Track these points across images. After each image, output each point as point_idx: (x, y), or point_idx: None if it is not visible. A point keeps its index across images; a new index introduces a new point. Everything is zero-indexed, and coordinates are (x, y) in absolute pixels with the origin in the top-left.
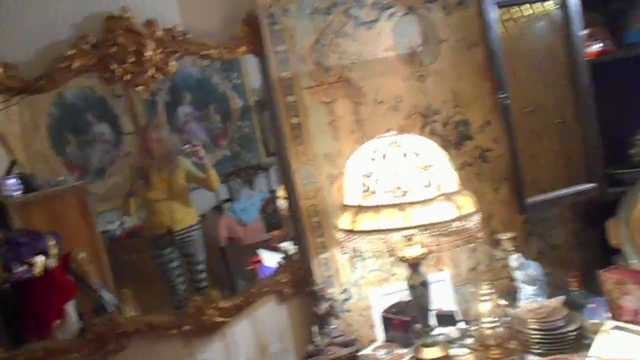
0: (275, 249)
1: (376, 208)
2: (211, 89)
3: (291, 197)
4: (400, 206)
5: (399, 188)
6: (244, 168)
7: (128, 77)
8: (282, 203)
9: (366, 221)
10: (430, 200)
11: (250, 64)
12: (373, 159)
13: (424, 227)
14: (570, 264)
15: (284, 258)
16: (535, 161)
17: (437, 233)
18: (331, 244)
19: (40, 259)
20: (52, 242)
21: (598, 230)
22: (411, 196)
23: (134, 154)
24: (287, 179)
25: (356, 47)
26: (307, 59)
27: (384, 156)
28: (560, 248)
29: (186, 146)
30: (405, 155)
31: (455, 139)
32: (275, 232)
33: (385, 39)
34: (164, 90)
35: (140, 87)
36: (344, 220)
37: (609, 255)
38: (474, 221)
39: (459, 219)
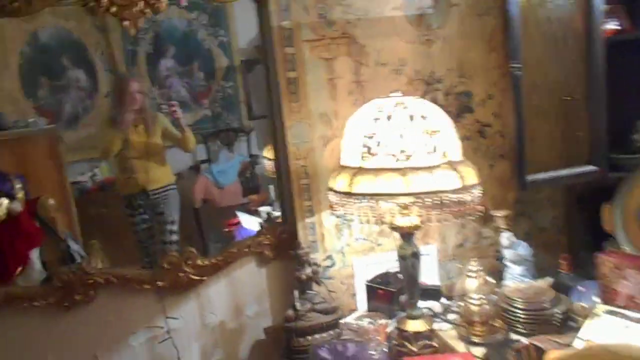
0: (253, 213)
1: (376, 171)
2: (196, 44)
3: (280, 156)
4: (402, 171)
5: (402, 151)
6: (225, 130)
7: (114, 9)
8: (267, 164)
9: (364, 184)
10: (434, 167)
11: (240, 20)
12: (377, 119)
13: (425, 195)
14: (558, 246)
15: (266, 220)
16: (536, 138)
17: (438, 202)
18: (318, 209)
19: (4, 201)
20: (18, 185)
21: (588, 214)
22: (414, 161)
23: (110, 105)
24: (277, 137)
25: (363, 2)
26: (310, 9)
27: (388, 117)
28: (549, 230)
29: (162, 105)
30: (411, 117)
31: (455, 110)
32: (254, 197)
33: None
34: (147, 41)
35: (127, 22)
36: (340, 182)
37: (597, 240)
38: (476, 193)
39: (462, 189)
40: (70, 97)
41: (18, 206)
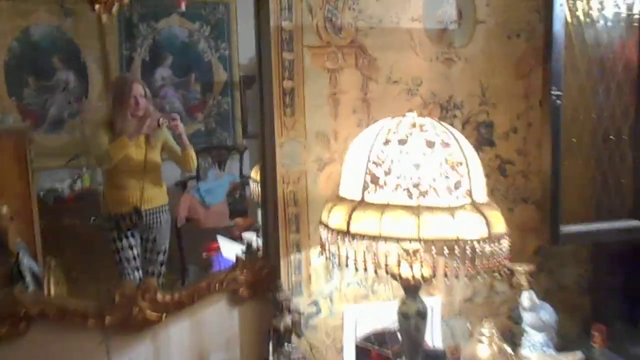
0: (237, 239)
1: (382, 207)
2: (196, 55)
3: (267, 178)
4: (415, 209)
5: (417, 185)
6: (217, 147)
7: None
8: (254, 186)
9: (365, 222)
10: (456, 208)
11: (242, 35)
12: (387, 142)
13: (442, 242)
14: (580, 310)
15: (245, 251)
16: (571, 182)
17: (458, 253)
18: (306, 244)
19: None
20: None
21: (623, 276)
22: (432, 198)
23: (109, 109)
24: (266, 156)
25: (378, 9)
26: (317, 11)
27: (402, 141)
28: (571, 290)
29: (161, 119)
30: (430, 144)
31: (474, 142)
32: (240, 220)
33: (414, 5)
34: (145, 48)
35: (98, 6)
36: (336, 216)
37: (633, 309)
38: (505, 245)
39: (489, 239)
40: (56, 100)
41: None
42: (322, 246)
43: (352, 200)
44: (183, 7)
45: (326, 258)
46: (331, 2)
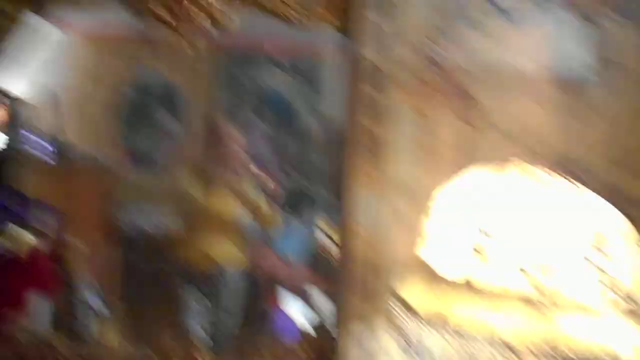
0: (308, 299)
1: (490, 295)
2: (290, 109)
3: (342, 235)
4: (540, 306)
5: (542, 269)
6: (302, 198)
7: (167, 16)
8: (327, 243)
9: (463, 312)
10: (601, 308)
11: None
12: (496, 201)
13: (581, 358)
14: None
15: (312, 323)
16: None
17: None
18: (380, 322)
19: (17, 231)
20: (43, 216)
21: None
22: (564, 290)
23: (195, 151)
24: (341, 209)
25: (489, 48)
26: (413, 44)
27: (519, 201)
28: None
29: (257, 171)
30: (564, 206)
31: None
32: (315, 278)
33: (532, 45)
34: (242, 97)
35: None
36: (419, 296)
37: None
38: None
39: None
40: (154, 141)
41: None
42: (399, 331)
43: (444, 278)
44: (281, 59)
45: (401, 349)
46: (431, 36)
